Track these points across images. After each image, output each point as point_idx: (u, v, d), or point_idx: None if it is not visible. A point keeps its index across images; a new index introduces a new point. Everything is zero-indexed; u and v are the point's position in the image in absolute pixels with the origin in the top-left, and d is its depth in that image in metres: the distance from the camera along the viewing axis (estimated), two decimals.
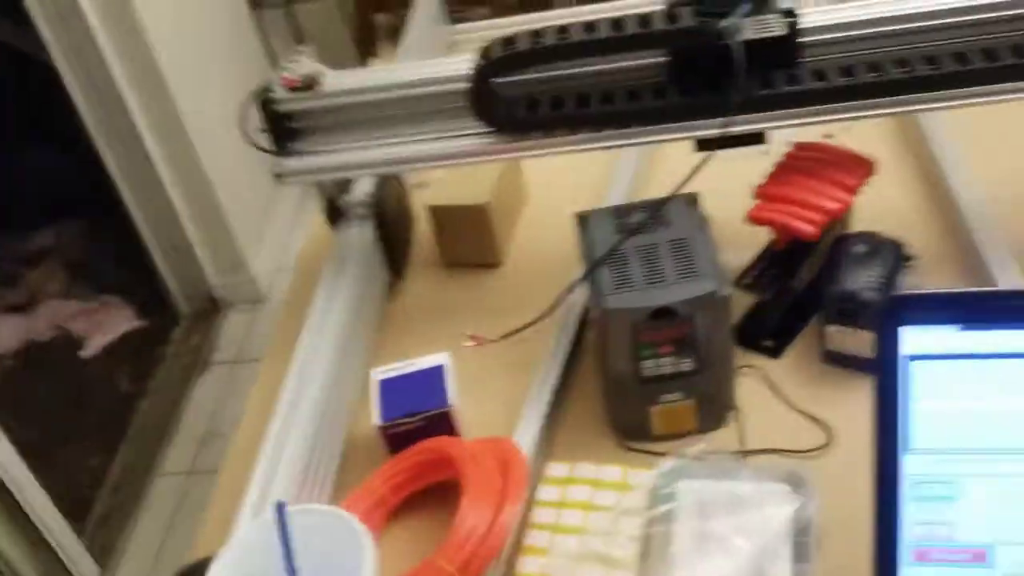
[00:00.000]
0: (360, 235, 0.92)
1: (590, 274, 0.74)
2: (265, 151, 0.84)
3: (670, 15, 0.75)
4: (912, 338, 0.55)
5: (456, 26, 1.26)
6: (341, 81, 0.83)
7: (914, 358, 0.55)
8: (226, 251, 2.13)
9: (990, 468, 0.56)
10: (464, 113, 0.80)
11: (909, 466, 0.57)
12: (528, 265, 0.99)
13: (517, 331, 0.75)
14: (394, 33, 2.08)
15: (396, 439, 0.74)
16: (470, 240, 0.98)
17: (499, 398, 0.82)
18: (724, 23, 0.73)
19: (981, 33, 0.74)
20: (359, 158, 0.84)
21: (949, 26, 0.74)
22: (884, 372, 0.55)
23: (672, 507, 0.67)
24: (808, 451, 0.74)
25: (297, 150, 0.84)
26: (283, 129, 0.84)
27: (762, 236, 0.86)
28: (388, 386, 0.76)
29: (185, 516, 1.78)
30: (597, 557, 0.66)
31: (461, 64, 0.79)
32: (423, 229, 1.02)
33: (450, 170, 0.99)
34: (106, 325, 2.22)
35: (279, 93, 0.83)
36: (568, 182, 1.02)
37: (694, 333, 0.71)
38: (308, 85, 0.82)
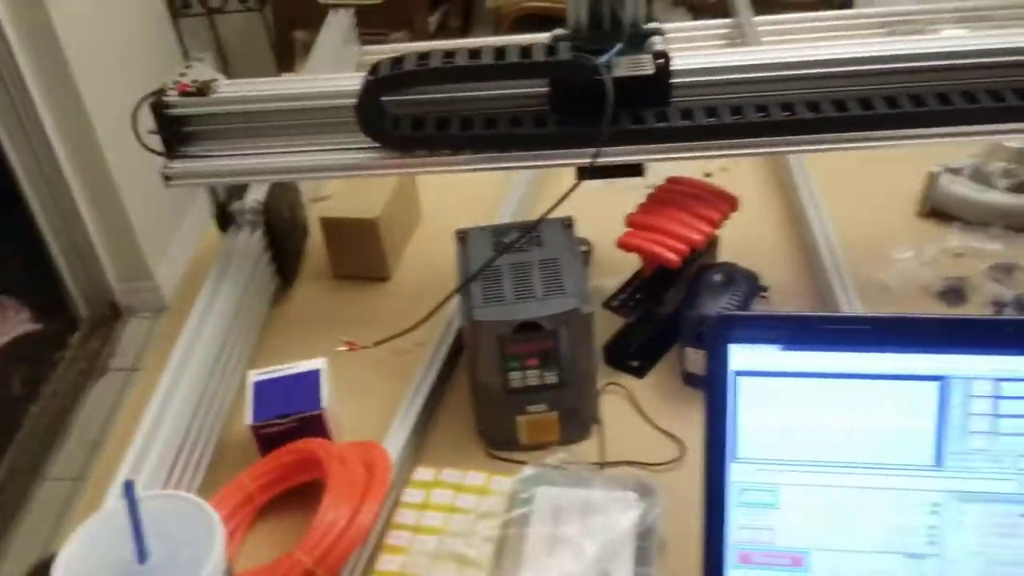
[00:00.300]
0: (248, 241, 0.94)
1: (463, 288, 0.78)
2: (155, 152, 0.86)
3: (550, 48, 0.79)
4: (739, 355, 0.60)
5: (365, 47, 1.30)
6: (235, 89, 0.85)
7: (740, 373, 0.60)
8: (130, 257, 2.11)
9: (806, 479, 0.61)
10: (354, 128, 0.83)
11: (735, 474, 0.61)
12: (416, 280, 1.02)
13: (391, 338, 0.78)
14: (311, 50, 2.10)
15: (267, 439, 0.76)
16: (360, 253, 1.01)
17: (374, 404, 0.85)
18: (599, 60, 0.78)
19: (831, 85, 0.81)
20: (248, 165, 0.86)
21: (804, 77, 0.81)
22: (714, 385, 0.60)
23: (528, 511, 0.71)
24: (661, 464, 0.78)
25: (187, 154, 0.86)
26: (174, 132, 0.85)
27: (633, 262, 0.91)
28: (263, 387, 0.78)
29: (68, 522, 1.75)
30: (453, 556, 0.69)
31: (353, 80, 0.82)
32: (318, 240, 1.04)
33: (348, 184, 1.02)
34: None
35: (172, 97, 0.85)
36: (462, 201, 1.06)
37: (558, 347, 0.75)
38: (201, 91, 0.84)
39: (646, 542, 0.69)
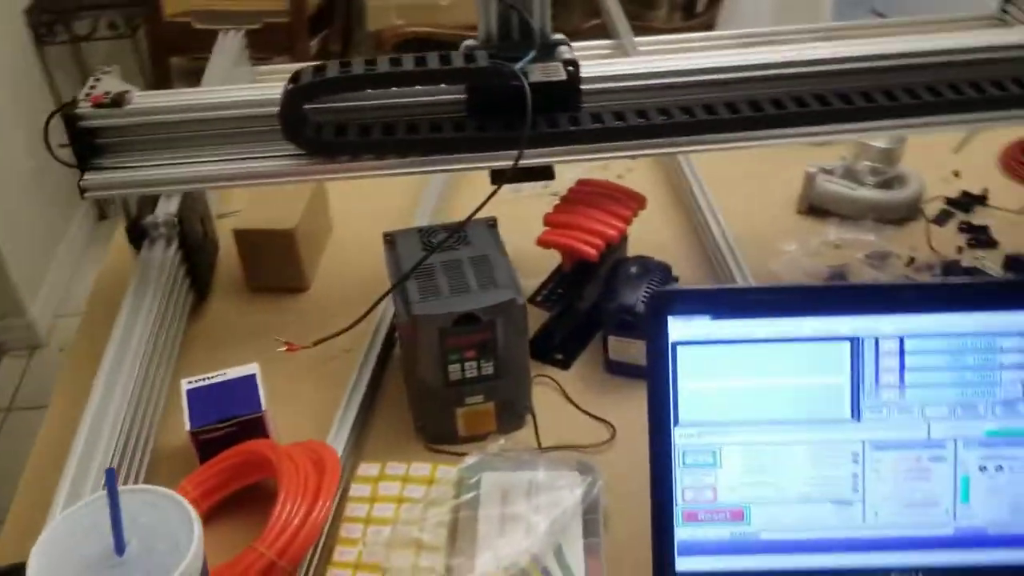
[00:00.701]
0: (164, 255, 0.93)
1: (398, 286, 0.80)
2: (67, 165, 0.84)
3: (468, 56, 0.83)
4: (676, 326, 0.65)
5: (259, 67, 1.30)
6: (151, 100, 0.85)
7: (678, 343, 0.65)
8: (1, 293, 2.00)
9: (742, 438, 0.66)
10: (273, 135, 0.84)
11: (678, 438, 0.66)
12: (334, 289, 1.03)
13: (330, 337, 0.79)
14: (189, 76, 2.08)
15: (207, 445, 0.76)
16: (277, 264, 1.01)
17: (307, 410, 0.85)
18: (515, 66, 0.82)
19: (727, 90, 0.88)
20: (165, 175, 0.85)
21: (701, 83, 0.87)
22: (655, 355, 0.65)
23: (476, 495, 0.74)
24: (594, 445, 0.82)
25: (101, 165, 0.85)
26: (87, 144, 0.84)
27: (551, 261, 0.95)
28: (197, 395, 0.78)
29: None
30: (409, 542, 0.70)
31: (270, 89, 0.84)
32: (230, 253, 1.04)
33: (258, 197, 1.03)
34: None
35: (85, 109, 0.84)
36: (371, 210, 1.07)
37: (494, 338, 0.79)
38: (115, 102, 0.84)
39: (592, 515, 0.72)
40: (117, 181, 0.85)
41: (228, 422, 0.76)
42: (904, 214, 1.09)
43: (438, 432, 0.83)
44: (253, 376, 0.80)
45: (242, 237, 1.00)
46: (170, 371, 0.89)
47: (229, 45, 1.28)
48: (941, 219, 1.09)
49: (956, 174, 1.16)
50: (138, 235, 0.95)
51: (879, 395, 0.65)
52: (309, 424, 0.83)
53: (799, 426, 0.66)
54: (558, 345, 0.92)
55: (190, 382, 0.80)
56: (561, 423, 0.85)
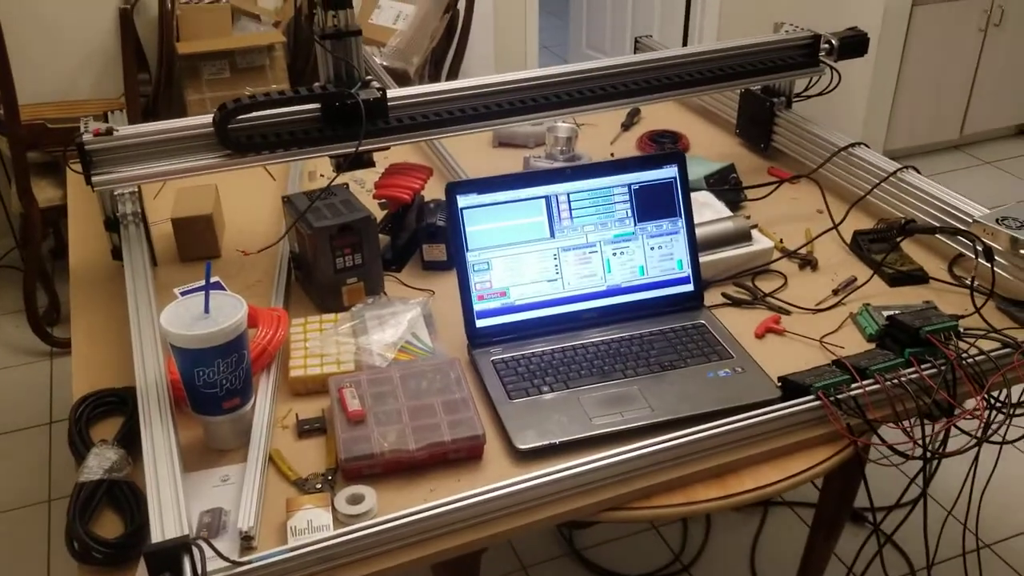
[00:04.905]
0: (135, 233, 1.46)
1: (301, 217, 1.39)
2: (79, 172, 1.37)
3: (323, 88, 1.45)
4: (461, 199, 1.29)
5: None
6: (129, 130, 1.40)
7: (463, 208, 1.29)
8: None
9: (501, 253, 1.31)
10: (208, 145, 1.42)
11: (469, 258, 1.30)
12: (234, 252, 1.59)
13: (268, 247, 1.37)
14: (46, 169, 2.56)
15: None
16: (200, 240, 1.56)
17: (258, 296, 1.42)
18: (352, 90, 1.45)
19: (466, 103, 1.56)
20: (144, 172, 1.40)
21: (450, 99, 1.55)
22: (452, 216, 1.29)
23: (364, 318, 1.33)
24: (423, 299, 1.45)
25: (102, 172, 1.38)
26: (91, 159, 1.37)
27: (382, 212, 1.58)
28: (186, 294, 1.32)
29: None
30: (333, 341, 1.29)
31: (203, 119, 1.41)
32: (168, 240, 1.57)
33: (180, 195, 1.57)
34: None
35: (89, 138, 1.37)
36: (247, 199, 1.65)
37: (361, 240, 1.39)
38: (108, 132, 1.38)
39: (428, 317, 1.35)
40: (110, 180, 1.38)
41: None
42: None
43: (331, 305, 1.42)
44: (219, 282, 1.35)
45: (177, 223, 1.55)
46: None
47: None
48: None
49: (612, 154, 1.91)
50: (113, 224, 1.48)
51: (562, 224, 1.33)
52: (259, 303, 1.39)
53: (527, 244, 1.32)
54: (393, 258, 1.54)
55: (182, 290, 1.34)
56: (403, 294, 1.47)
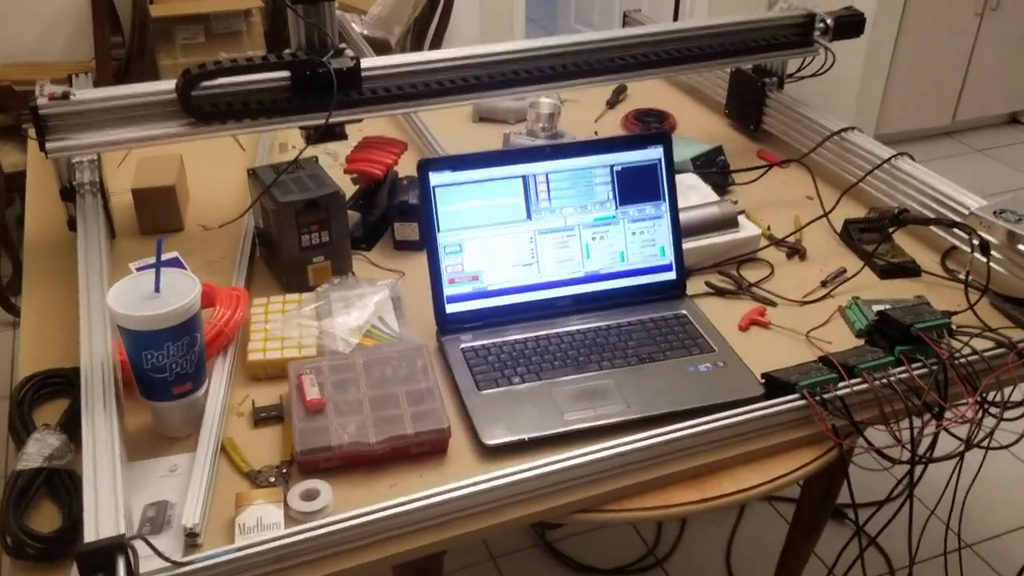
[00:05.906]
0: (92, 204, 1.39)
1: (267, 191, 1.32)
2: (34, 139, 1.29)
3: (293, 55, 1.38)
4: (434, 177, 1.22)
5: None
6: (87, 94, 1.32)
7: (436, 186, 1.23)
8: None
9: (474, 235, 1.24)
10: (172, 113, 1.34)
11: (440, 239, 1.23)
12: (197, 227, 1.52)
13: (231, 221, 1.29)
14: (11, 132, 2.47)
15: None
16: (162, 212, 1.49)
17: (220, 274, 1.35)
18: (324, 59, 1.37)
19: (444, 75, 1.48)
20: (102, 140, 1.32)
21: (426, 71, 1.47)
22: (424, 195, 1.22)
23: (328, 299, 1.27)
24: (392, 281, 1.38)
25: (57, 138, 1.30)
26: (46, 125, 1.30)
27: (354, 188, 1.51)
28: (142, 269, 1.25)
29: None
30: (295, 324, 1.22)
31: (166, 84, 1.33)
32: (127, 211, 1.50)
33: (143, 165, 1.50)
34: None
35: (44, 102, 1.29)
36: (215, 171, 1.57)
37: (328, 217, 1.32)
38: (64, 96, 1.30)
39: (397, 301, 1.28)
40: (65, 147, 1.31)
41: None
42: None
43: (295, 284, 1.35)
44: (177, 257, 1.28)
45: (138, 194, 1.47)
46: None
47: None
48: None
49: (596, 132, 1.84)
50: (69, 194, 1.40)
51: (539, 205, 1.26)
52: (222, 281, 1.32)
53: (502, 226, 1.25)
54: (363, 236, 1.47)
55: (136, 265, 1.27)
56: (373, 274, 1.40)
